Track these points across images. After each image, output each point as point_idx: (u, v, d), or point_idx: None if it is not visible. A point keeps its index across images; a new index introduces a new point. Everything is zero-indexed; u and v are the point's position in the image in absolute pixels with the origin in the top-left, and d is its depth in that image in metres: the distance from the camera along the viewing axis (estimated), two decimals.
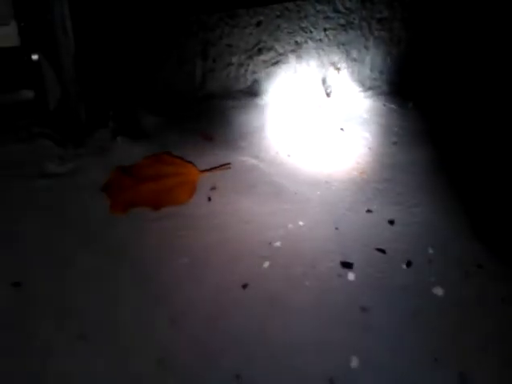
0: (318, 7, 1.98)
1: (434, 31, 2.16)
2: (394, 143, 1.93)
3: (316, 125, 1.98)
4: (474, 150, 1.91)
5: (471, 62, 2.22)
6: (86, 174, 1.65)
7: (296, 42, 2.03)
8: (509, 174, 1.79)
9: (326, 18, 2.01)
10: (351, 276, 1.41)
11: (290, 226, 1.55)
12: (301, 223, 1.56)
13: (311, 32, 2.02)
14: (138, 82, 1.87)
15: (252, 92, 2.05)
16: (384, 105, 2.14)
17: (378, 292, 1.37)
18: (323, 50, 2.07)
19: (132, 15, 1.74)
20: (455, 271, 1.45)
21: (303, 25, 2.00)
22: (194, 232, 1.50)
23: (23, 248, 1.40)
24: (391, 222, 1.58)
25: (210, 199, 1.61)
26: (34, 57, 1.68)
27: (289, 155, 1.82)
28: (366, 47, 2.13)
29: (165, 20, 1.80)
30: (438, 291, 1.39)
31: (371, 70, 2.18)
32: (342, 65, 2.13)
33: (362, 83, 2.18)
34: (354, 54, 2.13)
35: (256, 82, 2.04)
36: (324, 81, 2.12)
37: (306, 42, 2.04)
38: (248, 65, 2.00)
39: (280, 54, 2.03)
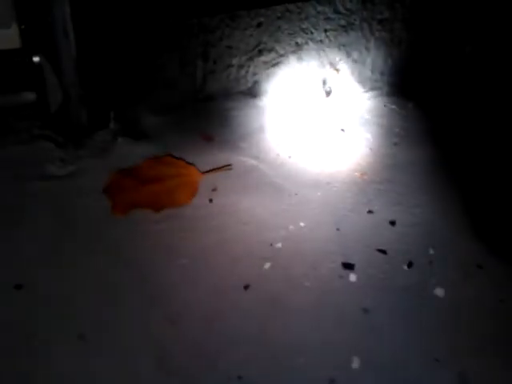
0: (319, 8, 1.98)
1: (435, 32, 2.16)
2: (395, 144, 1.93)
3: (317, 126, 1.98)
4: (474, 151, 1.91)
5: (472, 62, 2.21)
6: (86, 175, 1.65)
7: (297, 43, 2.03)
8: (509, 175, 1.79)
9: (327, 19, 2.01)
10: (352, 277, 1.41)
11: (291, 227, 1.55)
12: (302, 224, 1.56)
13: (312, 33, 2.02)
14: (139, 83, 1.88)
15: (252, 93, 2.05)
16: (385, 106, 2.14)
17: (380, 293, 1.37)
18: (324, 51, 2.07)
19: (133, 17, 1.74)
20: (455, 272, 1.45)
21: (304, 26, 2.00)
22: (195, 233, 1.50)
23: (24, 249, 1.40)
24: (392, 223, 1.58)
25: (211, 200, 1.61)
26: (36, 59, 1.69)
27: (289, 156, 1.82)
28: (367, 48, 2.13)
29: (166, 22, 1.80)
30: (439, 292, 1.39)
31: (372, 71, 2.18)
32: (343, 66, 2.13)
33: (362, 84, 2.18)
34: (355, 55, 2.13)
35: (256, 83, 2.04)
36: (325, 82, 2.12)
37: (306, 43, 2.04)
38: (248, 66, 2.00)
39: (280, 56, 2.03)
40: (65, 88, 1.70)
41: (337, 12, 2.01)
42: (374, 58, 2.16)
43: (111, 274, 1.36)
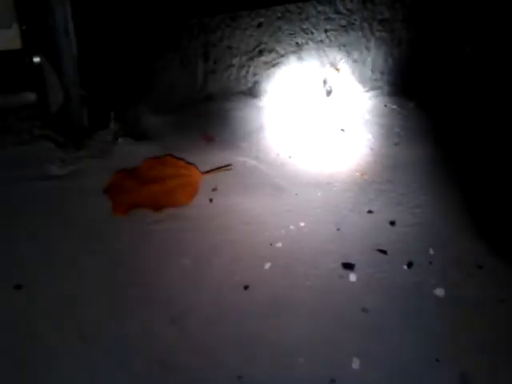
0: (319, 8, 1.98)
1: (435, 32, 2.16)
2: (396, 144, 1.93)
3: (317, 126, 1.98)
4: (475, 151, 1.91)
5: (472, 62, 2.21)
6: (87, 176, 1.65)
7: (297, 44, 2.03)
8: (509, 175, 1.78)
9: (327, 19, 2.01)
10: (353, 277, 1.41)
11: (292, 227, 1.55)
12: (302, 224, 1.56)
13: (312, 33, 2.02)
14: (139, 83, 1.88)
15: (253, 93, 2.05)
16: (385, 105, 2.14)
17: (380, 293, 1.37)
18: (324, 51, 2.07)
19: (133, 17, 1.74)
20: (455, 272, 1.45)
21: (304, 26, 2.00)
22: (195, 233, 1.50)
23: (24, 249, 1.40)
24: (392, 223, 1.58)
25: (211, 200, 1.61)
26: (36, 59, 1.69)
27: (290, 156, 1.82)
28: (367, 48, 2.13)
29: (166, 22, 1.81)
30: (439, 292, 1.38)
31: (372, 71, 2.18)
32: (343, 66, 2.13)
33: (363, 84, 2.18)
34: (355, 55, 2.13)
35: (257, 83, 2.04)
36: (325, 82, 2.12)
37: (306, 43, 2.04)
38: (249, 66, 2.00)
39: (281, 56, 2.03)
40: (65, 88, 1.70)
41: (337, 12, 2.01)
42: (374, 57, 2.15)
43: (111, 274, 1.36)
